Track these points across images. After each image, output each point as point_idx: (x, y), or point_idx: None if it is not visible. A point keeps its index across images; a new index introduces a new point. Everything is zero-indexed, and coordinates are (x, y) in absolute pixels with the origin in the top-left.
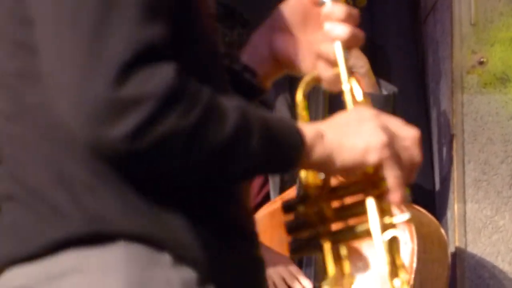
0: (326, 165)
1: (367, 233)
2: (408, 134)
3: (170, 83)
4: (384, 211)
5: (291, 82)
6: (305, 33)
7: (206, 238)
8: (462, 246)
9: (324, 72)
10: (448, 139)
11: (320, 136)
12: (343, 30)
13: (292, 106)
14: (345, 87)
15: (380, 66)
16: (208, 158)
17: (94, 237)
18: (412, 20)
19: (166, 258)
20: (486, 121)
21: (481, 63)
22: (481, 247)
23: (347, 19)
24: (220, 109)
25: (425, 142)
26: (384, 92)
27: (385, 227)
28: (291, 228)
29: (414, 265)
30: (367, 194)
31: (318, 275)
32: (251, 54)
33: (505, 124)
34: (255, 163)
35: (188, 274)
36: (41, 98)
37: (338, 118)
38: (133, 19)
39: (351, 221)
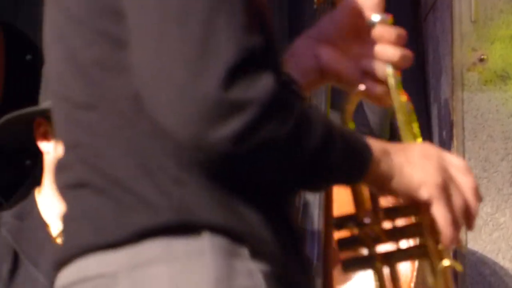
0: (383, 182)
1: (422, 257)
2: (465, 181)
3: (272, 89)
4: (437, 234)
5: None
6: (351, 47)
7: (278, 235)
8: (463, 243)
9: (371, 88)
10: (449, 136)
11: (386, 153)
12: (394, 53)
13: None
14: (397, 106)
15: None
16: (297, 164)
17: (180, 227)
18: (412, 18)
19: (245, 250)
20: (486, 119)
21: (481, 60)
22: (481, 244)
23: (397, 41)
24: (310, 118)
25: (426, 139)
26: None
27: (438, 253)
28: (343, 245)
29: (416, 262)
30: (420, 219)
31: (318, 272)
32: (294, 65)
33: (505, 122)
34: (334, 171)
35: (265, 267)
36: (125, 89)
37: (405, 146)
38: (239, 25)
39: (403, 241)
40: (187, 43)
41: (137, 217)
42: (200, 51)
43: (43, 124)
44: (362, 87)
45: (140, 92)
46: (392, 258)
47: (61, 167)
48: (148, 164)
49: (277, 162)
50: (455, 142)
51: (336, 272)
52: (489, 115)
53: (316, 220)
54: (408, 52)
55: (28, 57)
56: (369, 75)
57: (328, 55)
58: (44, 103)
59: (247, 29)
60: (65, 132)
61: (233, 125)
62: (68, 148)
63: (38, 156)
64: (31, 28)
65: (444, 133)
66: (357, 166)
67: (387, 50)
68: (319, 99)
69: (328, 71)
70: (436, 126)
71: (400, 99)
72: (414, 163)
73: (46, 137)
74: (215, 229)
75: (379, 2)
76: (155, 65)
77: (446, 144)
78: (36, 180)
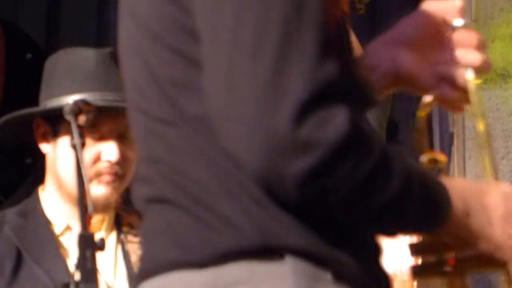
0: (459, 239)
1: (496, 267)
2: None
3: (344, 131)
4: None
5: None
6: (429, 52)
7: (359, 257)
8: None
9: (447, 93)
10: (449, 135)
11: (466, 213)
12: (475, 58)
13: None
14: (477, 111)
15: None
16: (370, 210)
17: (264, 250)
18: None
19: (327, 274)
20: (486, 117)
21: None
22: None
23: (479, 47)
24: (389, 163)
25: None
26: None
27: None
28: (415, 251)
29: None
30: None
31: None
32: (370, 67)
33: (505, 120)
34: (408, 222)
35: None
36: (202, 110)
37: (486, 202)
38: (311, 57)
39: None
40: (258, 76)
41: (221, 238)
42: (271, 86)
43: (42, 125)
44: (433, 94)
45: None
46: (464, 266)
47: (141, 179)
48: (230, 184)
49: (349, 205)
50: (455, 141)
51: None
52: (489, 113)
53: None
54: (488, 60)
55: (29, 56)
56: (446, 81)
57: (406, 59)
58: (44, 103)
59: (321, 59)
60: (145, 145)
61: (301, 164)
62: (148, 162)
63: (38, 154)
64: (31, 27)
65: (444, 132)
66: (431, 222)
67: (469, 55)
68: None
69: (404, 75)
70: (436, 124)
71: (481, 104)
72: (494, 226)
73: (45, 138)
74: (298, 253)
75: (461, 7)
76: (225, 97)
77: (446, 142)
78: (37, 179)
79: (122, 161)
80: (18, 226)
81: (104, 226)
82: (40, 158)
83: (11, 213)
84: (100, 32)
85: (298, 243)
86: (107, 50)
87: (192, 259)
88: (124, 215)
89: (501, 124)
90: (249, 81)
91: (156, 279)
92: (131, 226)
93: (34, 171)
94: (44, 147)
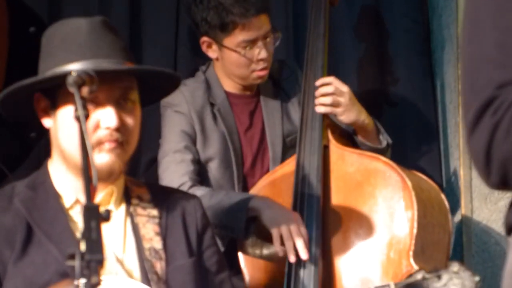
0: None
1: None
2: None
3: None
4: None
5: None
6: None
7: None
8: (468, 212)
9: None
10: (453, 104)
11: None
12: None
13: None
14: None
15: (385, 37)
16: None
17: None
18: None
19: None
20: None
21: None
22: (487, 213)
23: None
24: None
25: (431, 108)
26: (384, 144)
27: None
28: None
29: (415, 230)
30: None
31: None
32: None
33: None
34: None
35: None
36: None
37: None
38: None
39: None
40: None
41: None
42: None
43: (41, 100)
44: None
45: None
46: None
47: None
48: None
49: None
50: (460, 111)
51: (335, 242)
52: None
53: (315, 203)
54: None
55: (32, 29)
56: None
57: None
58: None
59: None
60: None
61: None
62: None
63: (43, 128)
64: (34, 0)
65: (448, 101)
66: None
67: None
68: (314, 130)
69: None
70: (440, 93)
71: None
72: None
73: (47, 112)
74: None
75: None
76: None
77: (450, 112)
78: (42, 153)
79: (122, 127)
80: (28, 199)
81: (113, 199)
82: (45, 132)
83: (20, 186)
84: (102, 3)
85: None
86: (98, 18)
87: None
88: (133, 188)
89: None
90: None
91: None
92: (140, 199)
93: (39, 145)
94: (46, 122)
